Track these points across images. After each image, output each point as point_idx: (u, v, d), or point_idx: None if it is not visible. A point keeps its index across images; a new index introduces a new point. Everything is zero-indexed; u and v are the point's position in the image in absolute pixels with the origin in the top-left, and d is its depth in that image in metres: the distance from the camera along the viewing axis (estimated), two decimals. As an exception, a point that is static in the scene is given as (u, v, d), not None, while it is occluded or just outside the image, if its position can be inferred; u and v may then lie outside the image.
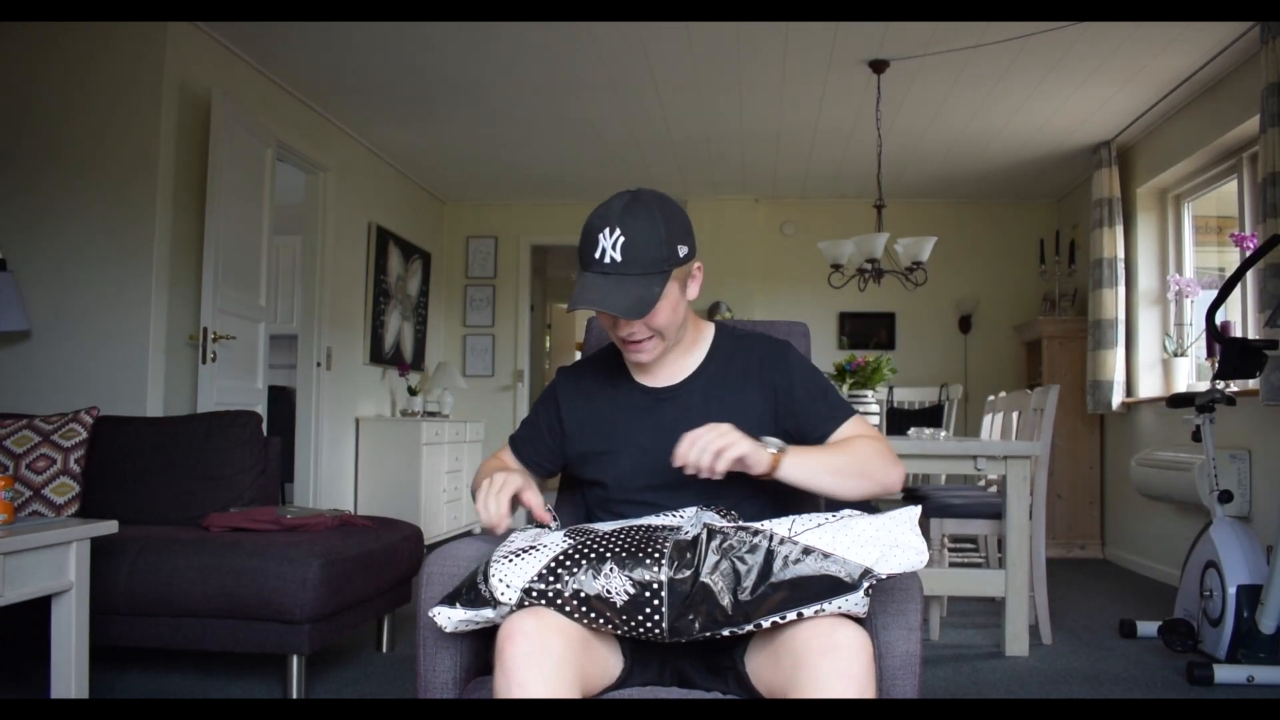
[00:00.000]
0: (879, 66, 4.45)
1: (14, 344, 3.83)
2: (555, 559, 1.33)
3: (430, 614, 1.38)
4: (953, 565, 4.37)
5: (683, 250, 1.52)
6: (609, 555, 1.32)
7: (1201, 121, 4.70)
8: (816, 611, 1.27)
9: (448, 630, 1.38)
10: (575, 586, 1.30)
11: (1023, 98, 4.86)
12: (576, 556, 1.33)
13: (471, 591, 1.36)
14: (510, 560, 1.35)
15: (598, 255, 1.47)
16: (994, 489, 4.29)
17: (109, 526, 2.36)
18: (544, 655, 1.25)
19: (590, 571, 1.31)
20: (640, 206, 1.48)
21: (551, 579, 1.31)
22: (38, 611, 2.35)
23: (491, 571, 1.34)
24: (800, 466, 1.45)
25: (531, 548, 1.36)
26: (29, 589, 2.15)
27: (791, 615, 1.27)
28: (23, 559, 2.12)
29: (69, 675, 2.26)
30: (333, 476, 5.51)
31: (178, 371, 3.96)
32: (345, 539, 2.88)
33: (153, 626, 2.69)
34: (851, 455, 1.51)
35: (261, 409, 4.36)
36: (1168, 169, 5.09)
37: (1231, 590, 3.07)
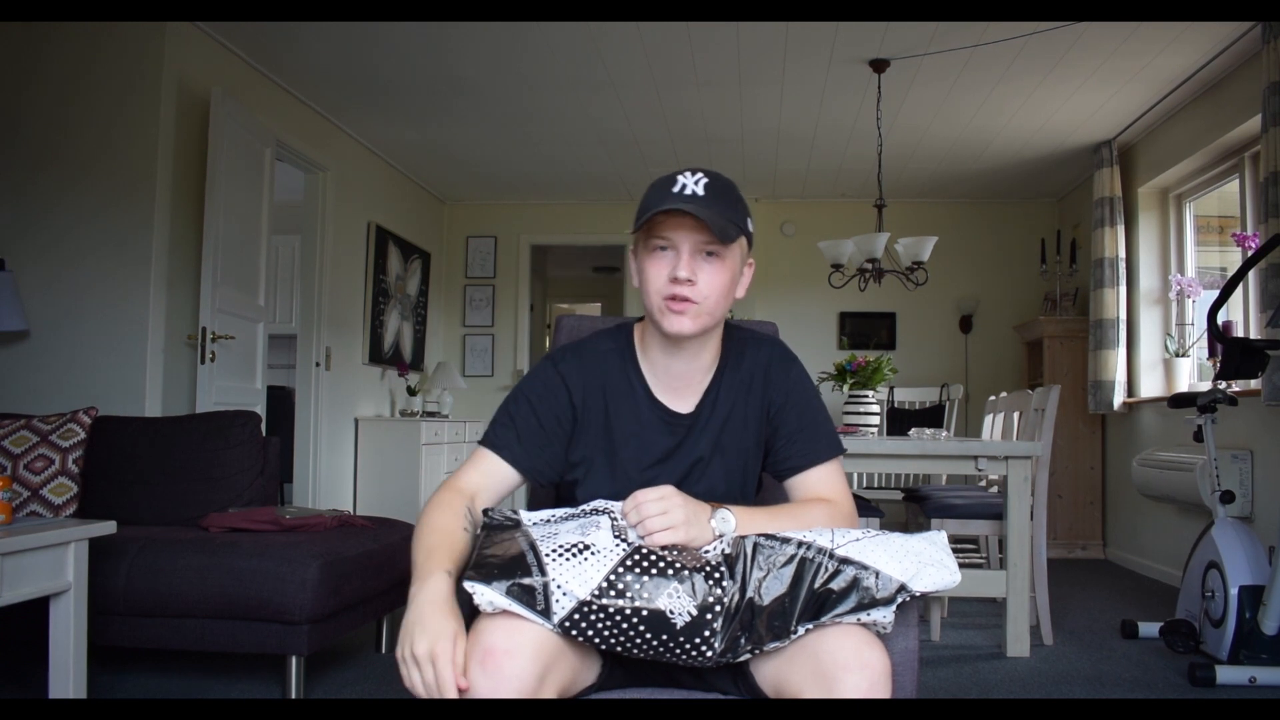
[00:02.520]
0: (879, 66, 4.44)
1: (12, 344, 3.83)
2: (617, 567, 1.23)
3: (466, 586, 1.22)
4: (953, 566, 4.36)
5: (749, 224, 1.46)
6: (671, 571, 1.24)
7: (1203, 121, 4.69)
8: (849, 617, 1.27)
9: (485, 610, 1.22)
10: (638, 603, 1.21)
11: (1023, 97, 4.85)
12: (640, 565, 1.24)
13: (525, 592, 1.22)
14: (566, 559, 1.23)
15: (677, 190, 1.39)
16: (995, 489, 4.29)
17: (107, 527, 2.36)
18: (512, 680, 1.18)
19: (654, 585, 1.22)
20: (721, 174, 1.45)
21: (613, 593, 1.21)
22: (36, 612, 2.35)
23: (549, 572, 1.22)
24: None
25: (585, 546, 1.25)
26: (27, 589, 2.14)
27: (827, 619, 1.26)
28: (21, 559, 2.12)
29: (68, 676, 2.26)
30: (332, 477, 5.50)
31: (176, 371, 3.95)
32: (345, 539, 2.87)
33: (151, 627, 2.68)
34: (802, 525, 1.41)
35: (260, 409, 4.36)
36: (1169, 168, 5.09)
37: (1233, 591, 3.07)
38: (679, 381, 1.53)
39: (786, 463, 1.53)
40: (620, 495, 1.44)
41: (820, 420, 1.56)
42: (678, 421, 1.52)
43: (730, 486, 1.53)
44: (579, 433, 1.51)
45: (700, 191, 1.39)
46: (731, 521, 1.36)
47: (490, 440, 1.47)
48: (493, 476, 1.45)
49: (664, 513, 1.30)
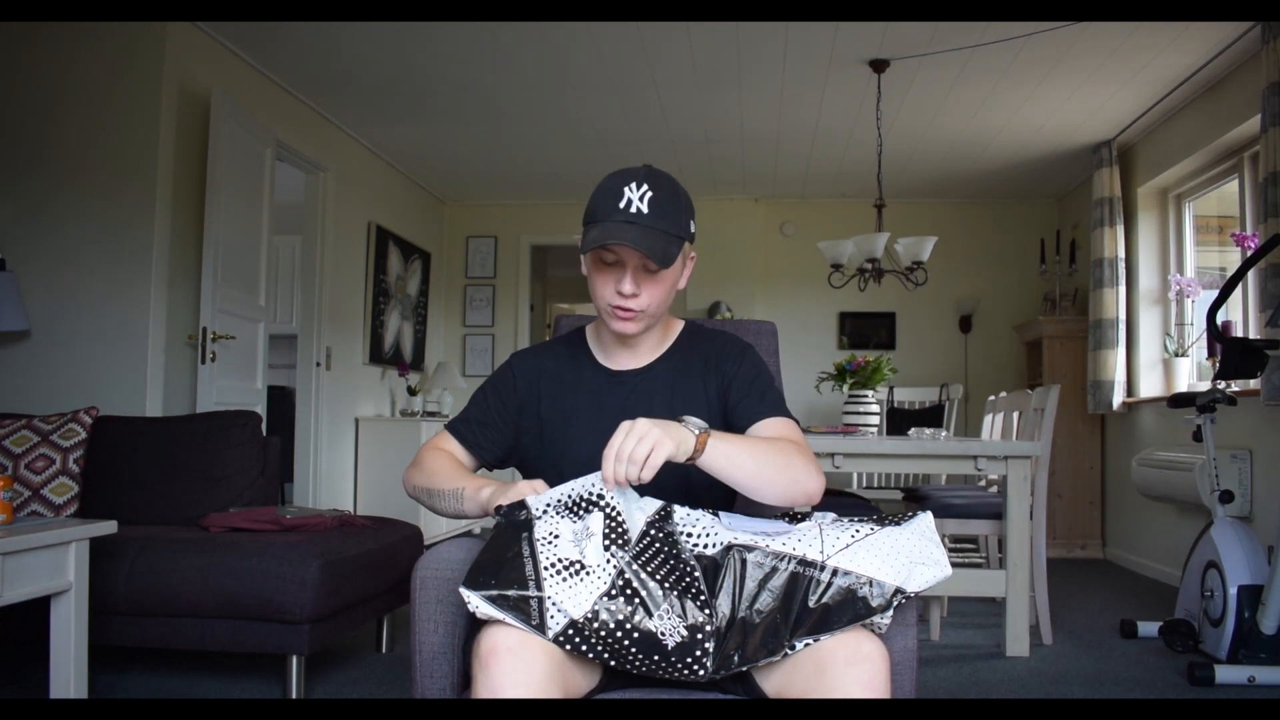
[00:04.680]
0: (879, 66, 4.44)
1: (13, 344, 3.83)
2: (609, 589, 1.24)
3: (462, 592, 1.25)
4: (953, 565, 4.35)
5: (691, 226, 1.55)
6: (661, 592, 1.24)
7: (1202, 121, 4.70)
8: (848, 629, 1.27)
9: (478, 615, 1.25)
10: (629, 626, 1.22)
11: (1023, 98, 4.86)
12: (630, 586, 1.25)
13: (521, 603, 1.23)
14: (562, 578, 1.25)
15: (623, 205, 1.46)
16: (994, 489, 4.29)
17: (108, 526, 2.36)
18: (529, 674, 1.20)
19: (644, 607, 1.23)
20: (659, 173, 1.52)
21: (604, 615, 1.23)
22: (37, 611, 2.35)
23: (546, 588, 1.23)
24: (724, 454, 1.37)
25: (580, 566, 1.26)
26: (28, 589, 2.15)
27: (824, 637, 1.26)
28: (22, 559, 2.12)
29: (68, 675, 2.26)
30: (332, 476, 5.51)
31: (177, 371, 3.96)
32: (345, 539, 2.88)
33: (152, 626, 2.68)
34: (776, 450, 1.42)
35: (261, 409, 4.36)
36: (1168, 169, 5.09)
37: (1232, 590, 3.07)
38: (629, 355, 1.64)
39: (743, 421, 1.55)
40: (582, 460, 1.50)
41: (769, 386, 1.60)
42: (622, 376, 1.61)
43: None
44: (528, 414, 1.63)
45: (645, 208, 1.46)
46: (700, 423, 1.36)
47: (451, 423, 1.69)
48: (457, 450, 1.65)
49: (640, 438, 1.28)
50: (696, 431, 1.34)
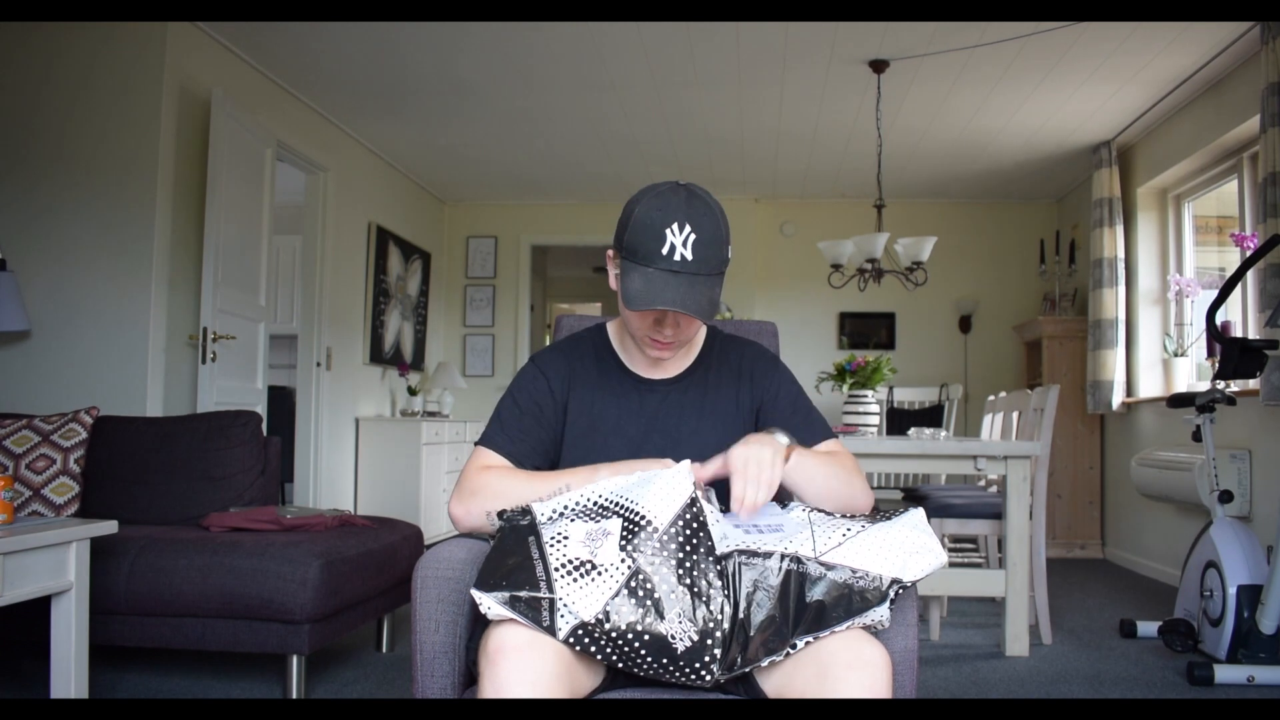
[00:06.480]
0: (879, 66, 4.45)
1: (14, 344, 3.83)
2: (621, 589, 1.23)
3: (473, 594, 1.25)
4: (953, 565, 4.36)
5: (730, 250, 1.51)
6: (674, 595, 1.23)
7: (1202, 121, 4.70)
8: (848, 626, 1.28)
9: (489, 617, 1.26)
10: (640, 627, 1.22)
11: (1023, 98, 4.86)
12: (644, 587, 1.23)
13: (531, 605, 1.23)
14: (573, 578, 1.24)
15: (666, 252, 1.40)
16: (994, 489, 4.29)
17: (109, 526, 2.37)
18: (537, 672, 1.20)
19: (656, 609, 1.22)
20: (699, 202, 1.44)
21: (615, 616, 1.22)
22: (38, 611, 2.36)
23: (557, 589, 1.23)
24: (802, 467, 1.46)
25: (592, 565, 1.25)
26: (29, 589, 2.15)
27: (825, 634, 1.26)
28: (23, 559, 2.12)
29: (69, 675, 2.26)
30: (333, 476, 5.51)
31: (178, 371, 3.96)
32: (345, 539, 2.88)
33: (153, 626, 2.69)
34: (838, 465, 1.52)
35: (261, 409, 4.36)
36: (1168, 169, 5.09)
37: (1232, 590, 3.07)
38: (659, 364, 1.63)
39: (801, 443, 1.57)
40: (621, 461, 1.49)
41: (811, 405, 1.66)
42: (652, 385, 1.61)
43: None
44: (559, 413, 1.60)
45: (689, 254, 1.41)
46: (786, 437, 1.45)
47: (485, 438, 1.58)
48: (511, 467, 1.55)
49: (761, 464, 1.35)
50: (786, 443, 1.42)
